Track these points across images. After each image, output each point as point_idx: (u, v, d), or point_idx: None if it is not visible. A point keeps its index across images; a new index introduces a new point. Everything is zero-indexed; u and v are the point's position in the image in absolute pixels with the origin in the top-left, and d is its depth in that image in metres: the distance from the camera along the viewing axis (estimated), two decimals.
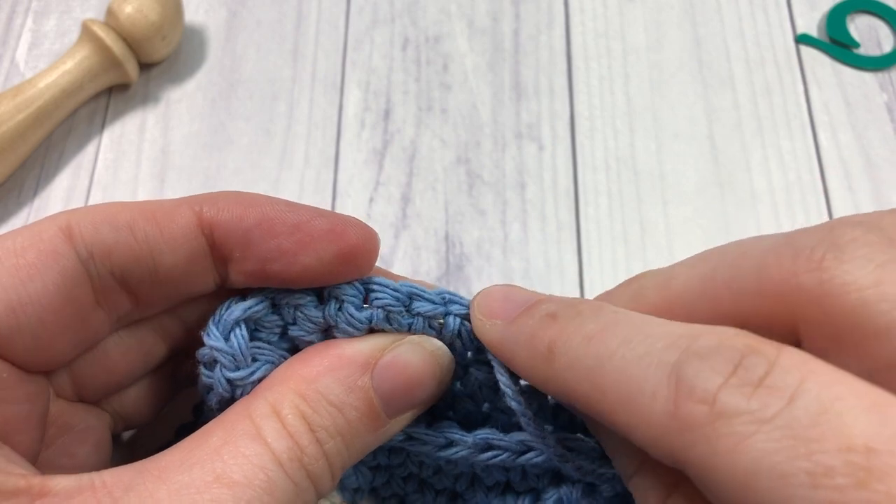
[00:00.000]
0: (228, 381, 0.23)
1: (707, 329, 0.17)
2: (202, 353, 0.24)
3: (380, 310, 0.24)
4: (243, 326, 0.23)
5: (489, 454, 0.25)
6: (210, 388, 0.24)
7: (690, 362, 0.17)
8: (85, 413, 0.25)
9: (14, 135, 0.38)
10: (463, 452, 0.25)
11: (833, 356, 0.17)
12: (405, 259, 0.38)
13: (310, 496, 0.22)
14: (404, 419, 0.24)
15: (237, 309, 0.23)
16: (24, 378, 0.23)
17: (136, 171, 0.40)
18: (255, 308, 0.23)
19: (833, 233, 0.18)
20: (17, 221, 0.39)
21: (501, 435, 0.25)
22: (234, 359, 0.23)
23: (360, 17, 0.45)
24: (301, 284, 0.23)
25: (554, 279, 0.37)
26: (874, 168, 0.40)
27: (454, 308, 0.24)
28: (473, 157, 0.41)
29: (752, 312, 0.19)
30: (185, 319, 0.26)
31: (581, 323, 0.20)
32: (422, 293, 0.24)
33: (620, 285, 0.24)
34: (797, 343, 0.18)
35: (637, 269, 0.30)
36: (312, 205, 0.24)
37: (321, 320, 0.24)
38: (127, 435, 0.29)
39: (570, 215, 0.39)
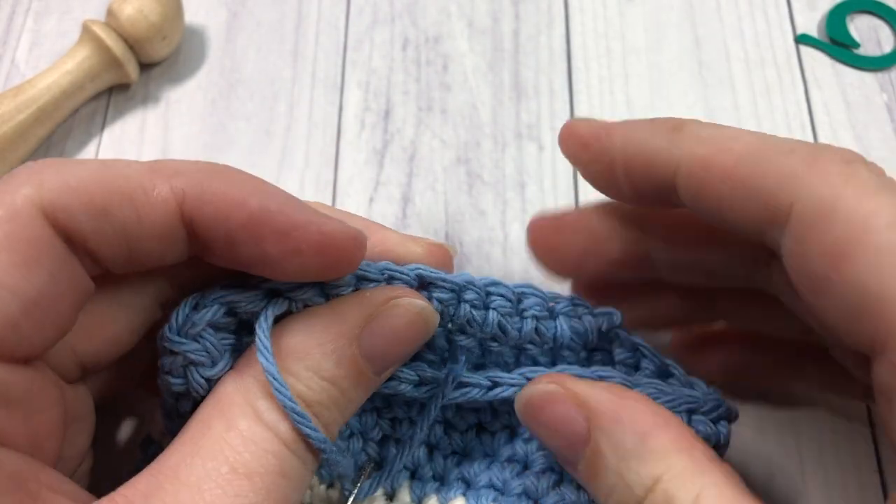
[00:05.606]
0: (207, 379, 0.23)
1: None
2: (166, 362, 0.23)
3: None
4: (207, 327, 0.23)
5: (460, 392, 0.26)
6: (180, 395, 0.24)
7: None
8: (79, 399, 0.25)
9: (14, 135, 0.38)
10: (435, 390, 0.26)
11: None
12: None
13: (314, 465, 0.23)
14: (390, 371, 0.25)
15: (196, 319, 0.23)
16: (50, 382, 0.22)
17: None
18: (214, 318, 0.23)
19: None
20: None
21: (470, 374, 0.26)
22: (209, 354, 0.23)
23: (360, 18, 0.45)
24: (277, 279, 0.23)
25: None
26: None
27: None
28: (473, 157, 0.41)
29: None
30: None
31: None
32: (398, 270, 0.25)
33: None
34: None
35: None
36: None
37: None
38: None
39: None
